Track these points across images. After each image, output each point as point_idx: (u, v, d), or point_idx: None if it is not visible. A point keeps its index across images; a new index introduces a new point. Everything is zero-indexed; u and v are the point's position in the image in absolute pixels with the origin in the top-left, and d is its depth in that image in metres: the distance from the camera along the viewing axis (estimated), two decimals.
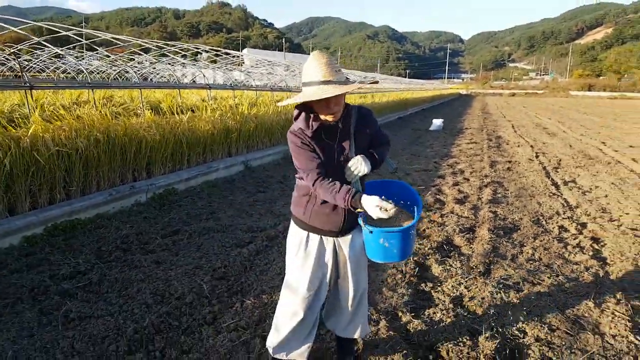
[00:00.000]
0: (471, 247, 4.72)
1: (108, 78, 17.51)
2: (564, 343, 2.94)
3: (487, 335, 2.99)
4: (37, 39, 10.23)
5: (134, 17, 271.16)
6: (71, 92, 9.04)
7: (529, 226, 5.43)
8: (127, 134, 5.73)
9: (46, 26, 10.72)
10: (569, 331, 3.09)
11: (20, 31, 7.96)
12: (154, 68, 16.88)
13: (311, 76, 1.99)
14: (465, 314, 3.34)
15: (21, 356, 2.69)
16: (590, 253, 4.58)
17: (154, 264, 4.06)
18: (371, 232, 2.07)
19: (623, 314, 3.33)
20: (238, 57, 18.05)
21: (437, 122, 17.65)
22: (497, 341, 2.90)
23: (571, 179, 8.24)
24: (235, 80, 17.17)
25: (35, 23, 8.48)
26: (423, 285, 3.85)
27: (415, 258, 4.34)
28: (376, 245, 2.11)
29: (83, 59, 16.21)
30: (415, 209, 2.23)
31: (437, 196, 6.90)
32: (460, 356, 2.78)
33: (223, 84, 14.97)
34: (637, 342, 2.98)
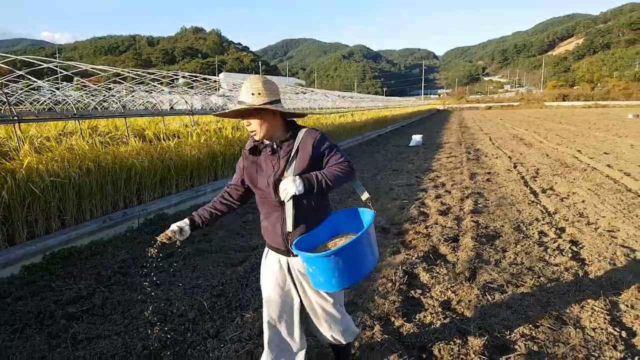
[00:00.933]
0: (456, 255, 4.95)
1: (87, 108, 17.56)
2: (547, 337, 3.16)
3: (475, 334, 3.20)
4: (18, 71, 10.35)
5: (107, 46, 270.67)
6: (56, 124, 9.14)
7: (510, 233, 5.70)
8: (116, 162, 5.88)
9: (23, 58, 10.83)
10: (552, 326, 3.31)
11: (4, 65, 8.09)
12: (132, 96, 17.03)
13: (239, 96, 2.22)
14: (454, 316, 3.54)
15: None
16: (570, 255, 4.83)
17: (154, 286, 4.19)
18: (295, 255, 2.16)
19: (602, 308, 3.56)
20: (215, 81, 18.28)
21: (416, 138, 18.06)
22: (485, 338, 3.11)
23: (549, 187, 8.59)
24: (215, 104, 17.34)
25: (15, 57, 8.61)
26: (412, 292, 4.05)
27: (403, 267, 4.54)
28: (306, 270, 2.12)
29: (58, 89, 16.27)
30: (358, 233, 2.07)
31: (421, 209, 7.15)
32: (452, 354, 2.97)
33: (203, 109, 15.14)
34: (615, 333, 3.20)
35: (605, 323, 3.33)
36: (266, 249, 2.45)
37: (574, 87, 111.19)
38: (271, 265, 2.40)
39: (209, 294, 3.96)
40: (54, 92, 17.49)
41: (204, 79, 16.23)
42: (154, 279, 4.36)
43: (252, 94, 2.14)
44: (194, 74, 16.06)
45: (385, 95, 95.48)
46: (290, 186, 2.10)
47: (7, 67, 8.90)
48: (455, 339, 3.15)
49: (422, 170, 11.23)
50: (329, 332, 2.48)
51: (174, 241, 2.24)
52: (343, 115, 20.85)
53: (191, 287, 4.16)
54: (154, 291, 4.04)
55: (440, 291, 4.02)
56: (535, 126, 27.04)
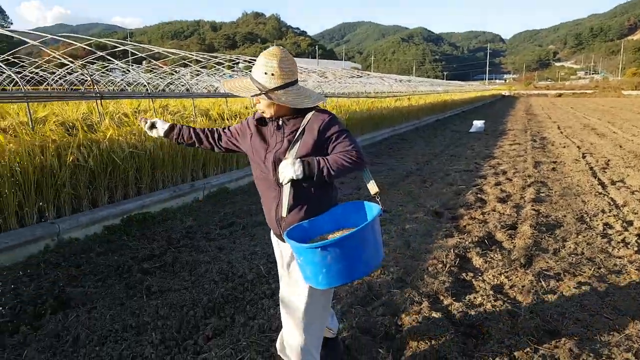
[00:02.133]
0: (512, 242, 4.93)
1: (156, 89, 18.46)
2: (602, 326, 3.14)
3: (526, 316, 3.24)
4: (99, 52, 11.05)
5: (173, 31, 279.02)
6: (131, 102, 9.77)
7: (572, 223, 5.56)
8: (138, 146, 6.26)
9: (105, 41, 11.53)
10: (608, 316, 3.28)
11: (86, 46, 8.70)
12: (196, 80, 17.67)
13: (252, 72, 2.08)
14: (505, 299, 3.58)
15: (117, 319, 3.19)
16: (636, 248, 4.65)
17: (217, 250, 4.57)
18: (284, 242, 2.11)
19: None
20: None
21: (477, 124, 17.61)
22: (536, 322, 3.15)
23: (619, 179, 8.19)
24: None
25: (98, 39, 9.23)
26: (464, 274, 4.11)
27: (456, 251, 4.59)
28: (296, 261, 2.04)
29: (130, 71, 17.17)
30: (355, 228, 1.91)
31: (479, 195, 7.08)
32: (500, 333, 3.04)
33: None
34: None
35: None
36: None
37: None
38: (274, 243, 2.35)
39: (265, 260, 4.25)
40: (126, 73, 18.46)
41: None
42: (217, 244, 4.72)
43: (265, 74, 2.00)
44: (253, 58, 16.52)
45: (446, 80, 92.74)
46: (288, 169, 1.96)
47: (88, 47, 9.51)
48: (505, 320, 3.21)
49: (482, 157, 11.02)
50: (281, 337, 2.36)
51: (148, 126, 2.42)
52: (399, 99, 20.60)
53: (249, 253, 4.47)
54: (216, 255, 4.40)
55: (492, 275, 4.06)
56: (610, 116, 25.46)
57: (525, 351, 2.79)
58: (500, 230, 5.28)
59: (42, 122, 6.05)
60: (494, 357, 2.75)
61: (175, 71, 14.92)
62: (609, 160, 10.16)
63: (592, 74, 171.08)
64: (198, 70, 15.70)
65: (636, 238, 4.96)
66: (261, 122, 2.18)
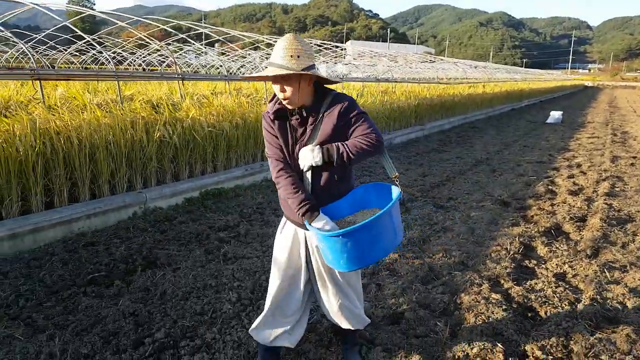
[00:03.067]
0: (580, 234, 4.85)
1: (228, 72, 19.01)
2: None
3: (586, 303, 3.26)
4: (180, 34, 11.69)
5: (245, 14, 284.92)
6: (208, 84, 10.34)
7: None
8: (258, 119, 6.62)
9: (183, 24, 12.15)
10: None
11: (164, 28, 9.25)
12: (266, 65, 18.10)
13: (271, 57, 2.01)
14: (567, 286, 3.60)
15: (199, 278, 3.58)
16: None
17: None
18: (307, 229, 2.09)
19: None
20: (343, 49, 18.61)
21: (555, 115, 16.83)
22: (596, 309, 3.17)
23: None
24: (340, 72, 17.71)
25: (178, 22, 9.81)
26: (527, 262, 4.15)
27: (520, 239, 4.60)
28: (321, 247, 2.06)
29: (202, 54, 17.74)
30: (372, 216, 1.93)
31: (550, 187, 6.92)
32: (558, 317, 3.10)
33: (331, 77, 15.65)
34: None
35: None
36: (283, 220, 2.37)
37: None
38: (287, 237, 2.32)
39: None
40: (199, 56, 19.14)
41: (335, 46, 16.65)
42: None
43: (291, 56, 1.94)
44: (324, 42, 16.63)
45: (525, 67, 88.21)
46: (307, 156, 2.00)
47: (164, 29, 10.06)
48: (564, 305, 3.26)
49: (557, 149, 10.62)
50: (337, 313, 2.40)
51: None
52: (473, 86, 20.04)
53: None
54: None
55: (556, 264, 4.06)
56: None
57: (581, 334, 2.84)
58: (568, 222, 5.19)
59: (129, 100, 6.64)
60: (550, 337, 2.83)
61: (248, 54, 15.43)
62: None
63: None
64: (268, 54, 16.19)
65: None
66: (280, 117, 2.11)
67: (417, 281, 3.65)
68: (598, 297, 3.38)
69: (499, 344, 2.75)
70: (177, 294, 3.36)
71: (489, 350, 2.70)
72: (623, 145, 11.43)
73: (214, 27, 11.94)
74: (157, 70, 18.85)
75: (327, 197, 2.13)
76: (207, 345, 2.76)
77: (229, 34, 11.48)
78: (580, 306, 3.23)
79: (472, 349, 2.72)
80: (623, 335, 2.85)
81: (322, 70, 15.90)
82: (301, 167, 2.05)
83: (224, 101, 6.99)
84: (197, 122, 5.66)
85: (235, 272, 3.67)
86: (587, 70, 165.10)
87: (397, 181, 2.13)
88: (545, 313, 3.18)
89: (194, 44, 14.40)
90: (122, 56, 18.74)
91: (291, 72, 1.92)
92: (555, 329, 2.94)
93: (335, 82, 2.14)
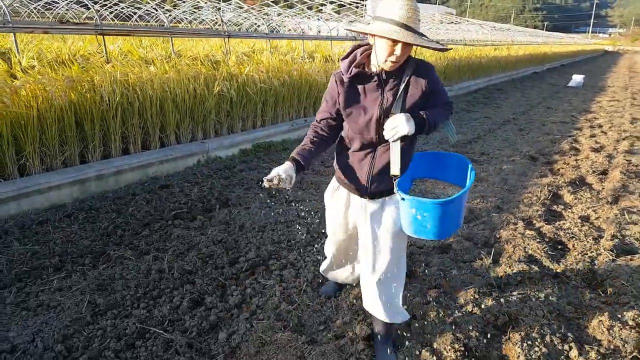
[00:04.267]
0: (602, 184, 5.31)
1: (239, 29, 18.30)
2: None
3: (607, 238, 3.76)
4: None
5: None
6: (247, 42, 10.59)
7: None
8: (302, 77, 7.04)
9: None
10: None
11: None
12: (282, 21, 17.66)
13: (392, 13, 1.78)
14: (590, 226, 4.10)
15: (269, 216, 4.14)
16: None
17: (332, 174, 5.37)
18: (403, 199, 1.93)
19: None
20: (364, 7, 18.32)
21: (577, 78, 16.90)
22: (615, 242, 3.67)
23: None
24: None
25: None
26: (555, 206, 4.63)
27: (549, 188, 5.07)
28: (408, 216, 1.95)
29: (219, 9, 17.23)
30: (468, 181, 2.03)
31: (573, 145, 7.32)
32: (584, 248, 3.61)
33: (350, 37, 15.25)
34: None
35: None
36: (335, 184, 2.33)
37: None
38: (339, 204, 2.30)
39: None
40: (216, 12, 18.56)
41: (356, 4, 16.43)
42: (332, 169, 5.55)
43: (419, 20, 1.83)
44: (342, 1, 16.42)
45: (546, 30, 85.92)
46: (402, 125, 1.87)
47: None
48: (589, 239, 3.76)
49: (579, 111, 10.90)
50: (372, 298, 2.23)
51: (281, 187, 1.96)
52: (498, 49, 20.01)
53: None
54: (329, 178, 5.22)
55: (581, 209, 4.54)
56: None
57: (604, 261, 3.35)
58: (591, 175, 5.64)
59: (178, 56, 7.07)
60: (577, 263, 3.35)
61: (261, 10, 14.87)
62: None
63: None
64: (285, 12, 15.98)
65: None
66: (357, 80, 1.99)
67: None
68: (618, 234, 3.87)
69: (534, 267, 3.28)
70: (254, 227, 3.92)
71: (526, 271, 3.23)
72: None
73: None
74: (186, 26, 18.58)
75: (404, 167, 2.03)
76: (291, 264, 3.33)
77: None
78: (602, 241, 3.73)
79: (512, 269, 3.25)
80: (639, 262, 3.36)
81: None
82: (389, 136, 1.92)
83: (271, 59, 7.39)
84: (250, 79, 6.11)
85: (299, 212, 4.22)
86: (607, 35, 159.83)
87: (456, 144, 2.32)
88: (573, 245, 3.70)
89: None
90: (145, 11, 18.17)
91: (433, 45, 1.82)
92: (581, 257, 3.46)
93: (446, 49, 1.98)
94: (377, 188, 2.11)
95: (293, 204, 4.45)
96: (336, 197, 2.31)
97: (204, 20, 19.62)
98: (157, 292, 2.89)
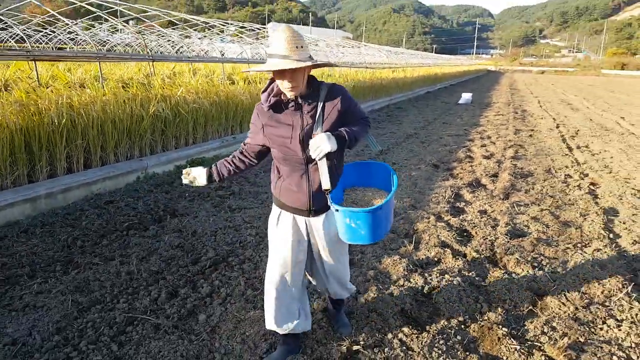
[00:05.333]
0: (494, 185, 6.36)
1: (156, 53, 17.61)
2: (554, 232, 4.58)
3: (502, 226, 4.67)
4: (100, 12, 11.09)
5: None
6: (167, 65, 10.72)
7: (541, 174, 7.02)
8: (229, 97, 7.49)
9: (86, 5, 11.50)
10: (560, 228, 4.70)
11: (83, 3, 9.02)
12: (188, 44, 17.36)
13: (275, 48, 2.01)
14: (488, 217, 5.01)
15: (217, 222, 4.53)
16: (586, 191, 6.10)
17: (268, 185, 5.87)
18: (337, 210, 2.10)
19: (600, 221, 4.91)
20: (264, 30, 18.88)
21: (466, 96, 18.97)
22: (508, 228, 4.59)
23: (584, 145, 9.68)
24: (264, 54, 17.89)
25: (79, 3, 9.69)
26: (458, 203, 5.53)
27: (451, 189, 5.99)
28: (343, 225, 2.13)
29: (115, 33, 16.42)
30: (393, 187, 2.26)
31: (468, 153, 8.51)
32: (484, 233, 4.47)
33: (254, 59, 15.42)
34: (604, 233, 4.57)
35: (599, 228, 4.68)
36: (277, 211, 2.38)
37: (636, 56, 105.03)
38: (285, 227, 2.35)
39: None
40: (112, 34, 17.74)
41: (258, 28, 16.89)
42: (266, 180, 6.05)
43: (297, 47, 2.00)
44: (245, 23, 16.83)
45: (435, 53, 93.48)
46: (324, 144, 2.02)
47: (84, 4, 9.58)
48: (488, 227, 4.65)
49: (470, 125, 12.43)
50: (336, 287, 2.59)
51: (192, 184, 2.43)
52: (395, 71, 21.83)
53: None
54: (268, 187, 5.72)
55: (479, 204, 5.48)
56: (586, 93, 27.11)
57: (501, 244, 4.21)
58: (485, 177, 6.71)
59: (104, 79, 7.19)
60: (480, 246, 4.18)
61: (167, 33, 14.71)
62: (578, 130, 11.67)
63: (575, 52, 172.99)
64: (205, 35, 16.16)
65: (588, 184, 6.43)
66: (276, 108, 2.17)
67: None
68: (510, 222, 4.81)
69: (447, 249, 4.04)
70: (206, 232, 4.30)
71: (441, 253, 3.98)
72: (523, 120, 13.56)
73: (125, 3, 11.31)
74: (66, 48, 17.66)
75: (333, 179, 2.20)
76: (248, 259, 3.78)
77: (147, 12, 11.07)
78: (498, 228, 4.63)
79: (430, 253, 3.99)
80: (528, 242, 4.27)
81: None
82: (315, 155, 2.06)
83: (194, 81, 7.74)
84: (182, 99, 6.44)
85: (245, 217, 4.67)
86: (489, 56, 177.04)
87: (381, 154, 2.68)
88: (476, 232, 4.55)
89: (114, 20, 13.38)
90: (26, 34, 16.77)
91: (306, 64, 1.99)
92: (483, 241, 4.31)
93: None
94: (319, 204, 2.25)
95: (237, 212, 4.88)
96: (282, 222, 2.35)
97: (105, 41, 18.81)
98: (132, 290, 3.20)
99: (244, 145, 2.37)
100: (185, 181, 2.42)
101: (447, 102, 19.03)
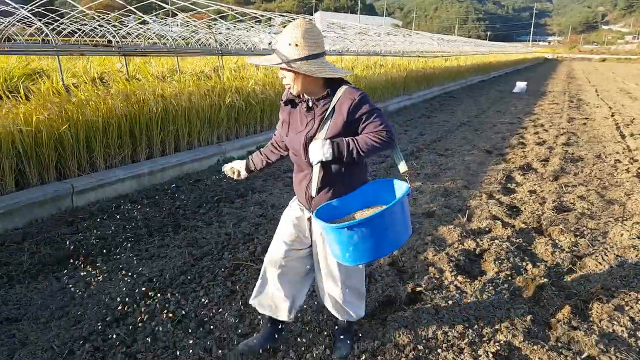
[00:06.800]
0: (545, 168, 6.71)
1: (188, 44, 17.55)
2: (598, 209, 4.96)
3: (549, 203, 5.09)
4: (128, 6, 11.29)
5: None
6: (200, 58, 11.33)
7: (591, 159, 7.27)
8: (264, 92, 8.03)
9: None
10: (604, 205, 5.07)
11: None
12: (231, 35, 17.40)
13: (277, 44, 2.03)
14: (537, 196, 5.42)
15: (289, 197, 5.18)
16: (634, 174, 6.35)
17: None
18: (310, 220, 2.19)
19: None
20: (312, 20, 18.36)
21: (520, 85, 18.84)
22: (555, 204, 5.00)
23: (638, 132, 9.68)
24: None
25: None
26: (509, 184, 5.96)
27: (503, 172, 6.40)
28: (327, 239, 2.10)
29: (166, 24, 16.74)
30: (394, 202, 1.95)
31: (520, 140, 8.81)
32: (532, 210, 4.90)
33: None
34: None
35: None
36: (295, 197, 2.43)
37: None
38: (294, 210, 2.38)
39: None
40: (162, 27, 17.80)
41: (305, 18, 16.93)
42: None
43: (289, 44, 1.96)
44: (289, 13, 16.82)
45: (489, 40, 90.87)
46: (317, 151, 2.01)
47: (120, 2, 9.61)
48: (536, 204, 5.08)
49: (524, 113, 12.58)
50: (328, 303, 2.46)
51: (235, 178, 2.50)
52: (448, 59, 21.92)
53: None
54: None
55: (529, 185, 5.88)
56: None
57: (548, 218, 4.65)
58: (536, 162, 7.06)
59: (181, 72, 8.03)
60: (528, 219, 4.63)
61: (210, 25, 14.13)
62: (633, 119, 11.56)
63: None
64: (232, 26, 15.93)
65: (636, 168, 6.63)
66: (291, 104, 2.18)
67: (439, 195, 5.39)
68: (557, 200, 5.22)
69: (497, 221, 4.53)
70: (282, 205, 4.89)
71: (492, 224, 4.48)
72: (577, 109, 13.51)
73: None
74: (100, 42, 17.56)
75: (335, 190, 2.15)
76: None
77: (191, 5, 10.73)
78: (546, 205, 5.06)
79: (482, 224, 4.50)
80: (572, 215, 4.69)
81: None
82: (311, 161, 2.07)
83: (263, 73, 8.47)
84: (252, 90, 7.18)
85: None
86: (547, 43, 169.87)
87: (406, 176, 2.15)
88: (525, 208, 5.00)
89: (136, 14, 12.36)
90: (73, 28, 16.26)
91: (275, 63, 1.99)
92: (530, 215, 4.76)
93: (335, 76, 2.07)
94: (318, 203, 2.18)
95: (261, 202, 5.36)
96: (292, 207, 2.42)
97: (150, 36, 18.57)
98: (232, 246, 3.93)
99: (275, 135, 2.42)
100: (229, 174, 2.50)
101: (501, 91, 19.00)
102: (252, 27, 17.01)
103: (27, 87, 5.47)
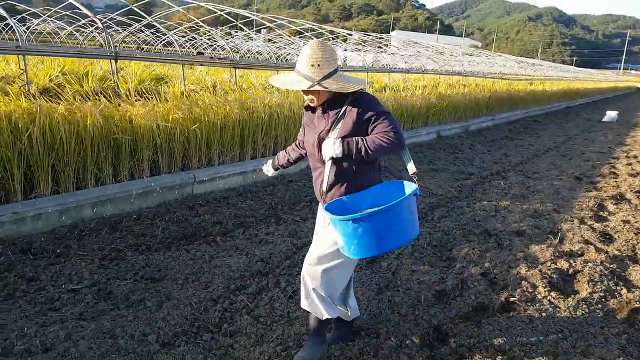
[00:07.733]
0: (639, 200, 6.52)
1: (270, 58, 17.47)
2: None
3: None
4: (234, 21, 11.52)
5: (291, 0, 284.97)
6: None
7: None
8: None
9: (234, 11, 10.84)
10: None
11: (223, 14, 9.77)
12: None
13: (297, 63, 2.22)
14: (630, 226, 5.31)
15: None
16: None
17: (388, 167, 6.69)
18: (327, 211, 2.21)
19: None
20: (387, 39, 18.12)
21: (611, 114, 18.01)
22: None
23: None
24: (384, 62, 17.09)
25: (219, 12, 9.55)
26: (601, 213, 5.87)
27: (595, 199, 6.29)
28: (334, 233, 2.20)
29: (252, 39, 17.42)
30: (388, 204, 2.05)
31: (612, 170, 8.53)
32: (627, 238, 4.84)
33: (373, 67, 14.50)
34: None
35: None
36: None
37: None
38: (318, 211, 2.60)
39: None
40: (247, 42, 18.80)
41: (379, 38, 16.99)
42: None
43: (312, 66, 2.14)
44: (367, 33, 17.02)
45: (575, 66, 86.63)
46: (329, 148, 2.18)
47: (225, 15, 10.03)
48: (630, 234, 5.00)
49: (615, 143, 12.08)
50: (305, 293, 2.53)
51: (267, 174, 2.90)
52: (533, 83, 21.35)
53: None
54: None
55: (622, 215, 5.75)
56: None
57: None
58: (630, 192, 6.85)
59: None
60: (622, 247, 4.60)
61: (290, 42, 15.17)
62: None
63: None
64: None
65: None
66: (309, 108, 2.39)
67: (528, 216, 5.45)
68: None
69: (590, 246, 4.54)
70: None
71: (585, 248, 4.50)
72: None
73: (260, 15, 11.72)
74: (203, 53, 18.96)
75: (346, 187, 2.30)
76: None
77: (276, 21, 11.47)
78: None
79: (574, 247, 4.53)
80: None
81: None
82: (323, 157, 2.25)
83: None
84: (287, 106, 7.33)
85: None
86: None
87: (415, 177, 2.30)
88: (618, 236, 4.95)
89: (243, 29, 13.59)
90: (169, 40, 17.25)
91: (308, 86, 2.15)
92: (625, 243, 4.72)
93: (361, 87, 2.23)
94: (332, 199, 2.34)
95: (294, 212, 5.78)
96: (319, 206, 2.56)
97: (240, 49, 19.57)
98: None
99: (298, 137, 2.64)
100: (264, 170, 2.88)
101: (589, 119, 18.26)
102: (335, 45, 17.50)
103: (156, 90, 6.18)
